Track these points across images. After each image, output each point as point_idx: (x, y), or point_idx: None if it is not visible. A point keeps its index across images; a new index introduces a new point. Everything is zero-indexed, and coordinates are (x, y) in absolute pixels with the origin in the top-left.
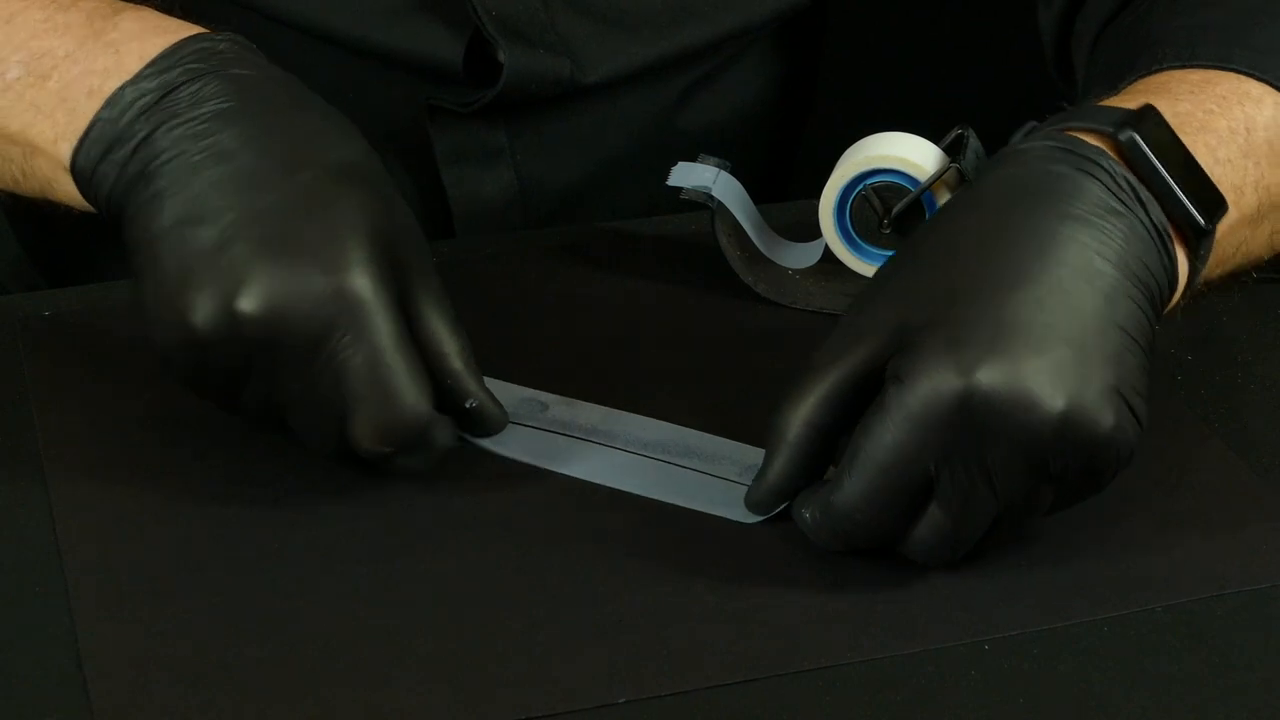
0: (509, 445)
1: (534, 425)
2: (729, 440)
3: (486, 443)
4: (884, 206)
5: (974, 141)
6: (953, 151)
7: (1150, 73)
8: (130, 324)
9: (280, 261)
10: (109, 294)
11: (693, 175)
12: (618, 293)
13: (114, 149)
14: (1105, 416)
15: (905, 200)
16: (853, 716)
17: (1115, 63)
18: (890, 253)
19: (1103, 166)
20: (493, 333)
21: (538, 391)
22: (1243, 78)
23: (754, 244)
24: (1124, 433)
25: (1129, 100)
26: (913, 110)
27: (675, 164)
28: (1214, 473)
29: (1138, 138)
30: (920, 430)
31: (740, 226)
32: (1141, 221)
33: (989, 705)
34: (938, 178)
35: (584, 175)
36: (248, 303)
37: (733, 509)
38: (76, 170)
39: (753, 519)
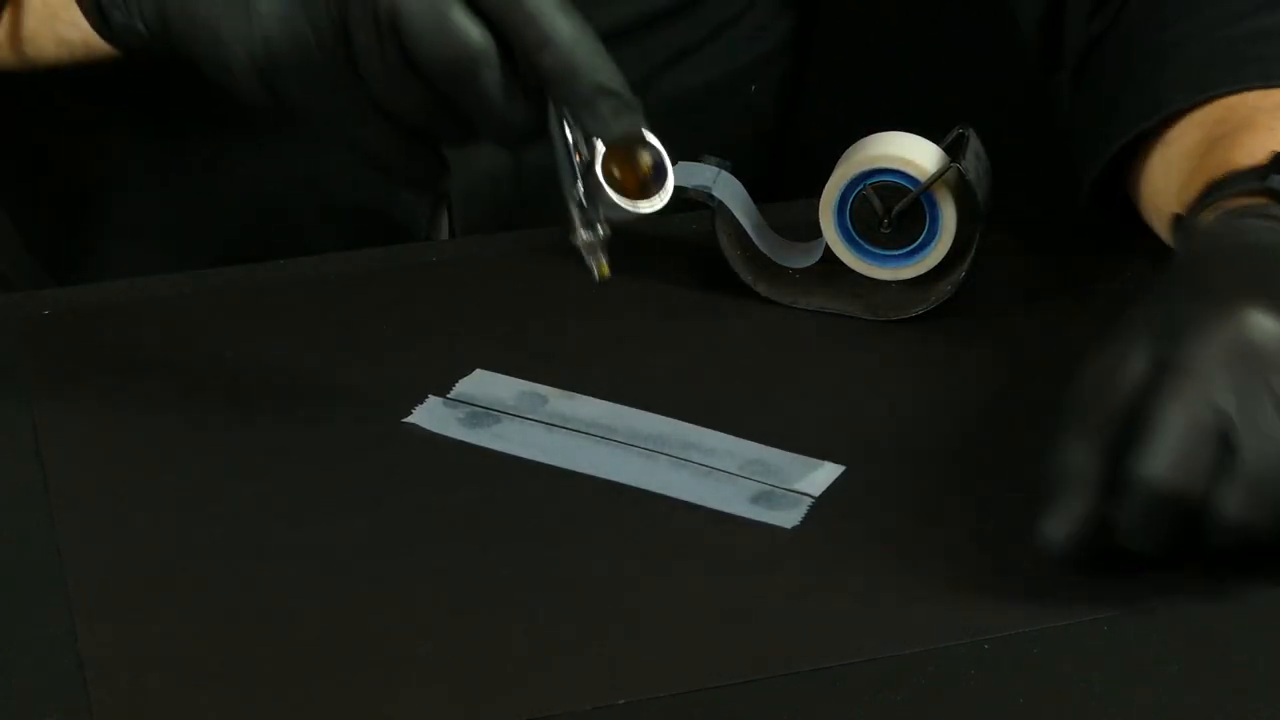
0: (508, 440)
1: (533, 419)
2: (729, 435)
3: (487, 439)
4: (884, 206)
5: (974, 141)
6: (953, 151)
7: (1230, 90)
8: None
9: None
10: (109, 294)
11: (693, 175)
12: (618, 293)
13: None
14: None
15: (905, 200)
16: (853, 716)
17: (1137, 65)
18: (890, 252)
19: None
20: (493, 332)
21: (537, 385)
22: None
23: (754, 244)
24: None
25: (1228, 149)
26: (913, 110)
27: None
28: None
29: None
30: (1212, 375)
31: (740, 226)
32: None
33: (989, 705)
34: (938, 178)
35: None
36: None
37: (733, 504)
38: None
39: (756, 516)
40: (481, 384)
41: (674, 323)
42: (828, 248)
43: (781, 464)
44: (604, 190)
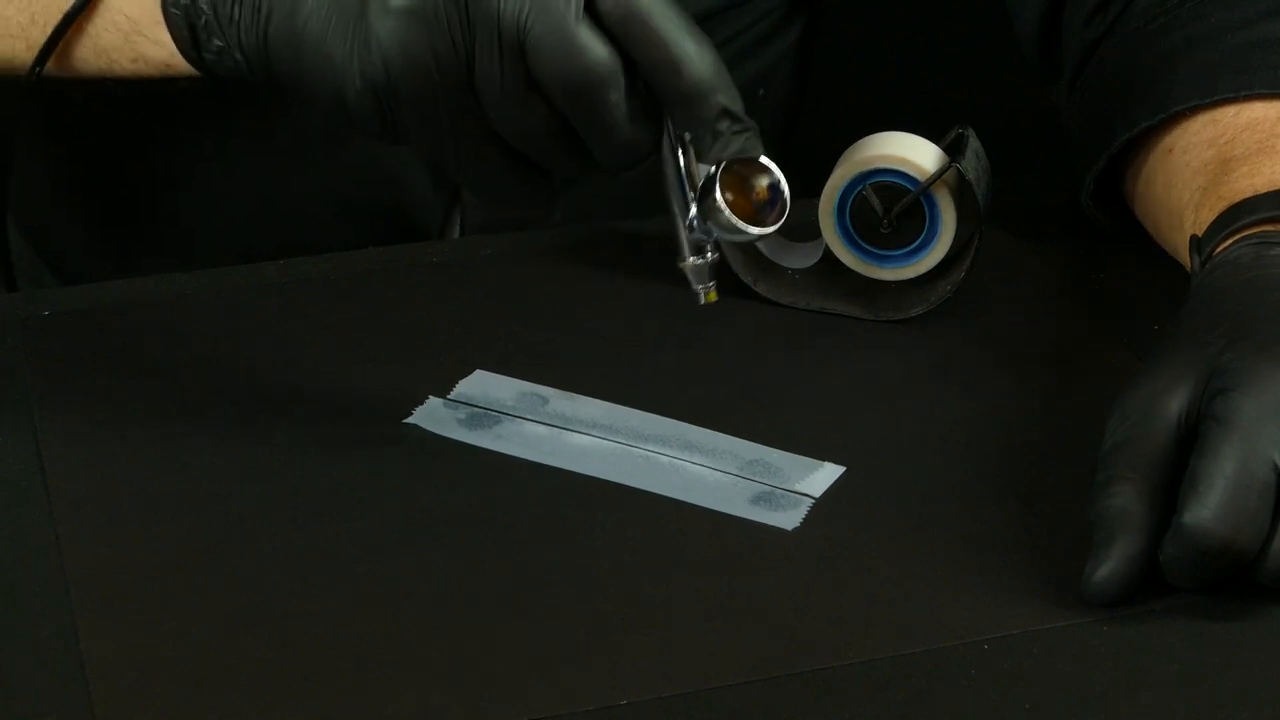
0: (508, 441)
1: (533, 420)
2: (729, 436)
3: (487, 440)
4: (884, 206)
5: (974, 141)
6: (953, 151)
7: (1234, 97)
8: (155, 313)
9: None
10: (109, 294)
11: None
12: (618, 293)
13: None
14: None
15: (905, 200)
16: (853, 716)
17: (1141, 68)
18: (890, 252)
19: None
20: (493, 332)
21: (537, 385)
22: None
23: (754, 244)
24: None
25: (1251, 172)
26: (913, 110)
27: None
28: None
29: None
30: (1262, 427)
31: None
32: None
33: (989, 705)
34: (938, 178)
35: None
36: None
37: (733, 505)
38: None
39: (757, 517)
40: (482, 384)
41: (674, 323)
42: (828, 248)
43: (782, 465)
44: (722, 213)
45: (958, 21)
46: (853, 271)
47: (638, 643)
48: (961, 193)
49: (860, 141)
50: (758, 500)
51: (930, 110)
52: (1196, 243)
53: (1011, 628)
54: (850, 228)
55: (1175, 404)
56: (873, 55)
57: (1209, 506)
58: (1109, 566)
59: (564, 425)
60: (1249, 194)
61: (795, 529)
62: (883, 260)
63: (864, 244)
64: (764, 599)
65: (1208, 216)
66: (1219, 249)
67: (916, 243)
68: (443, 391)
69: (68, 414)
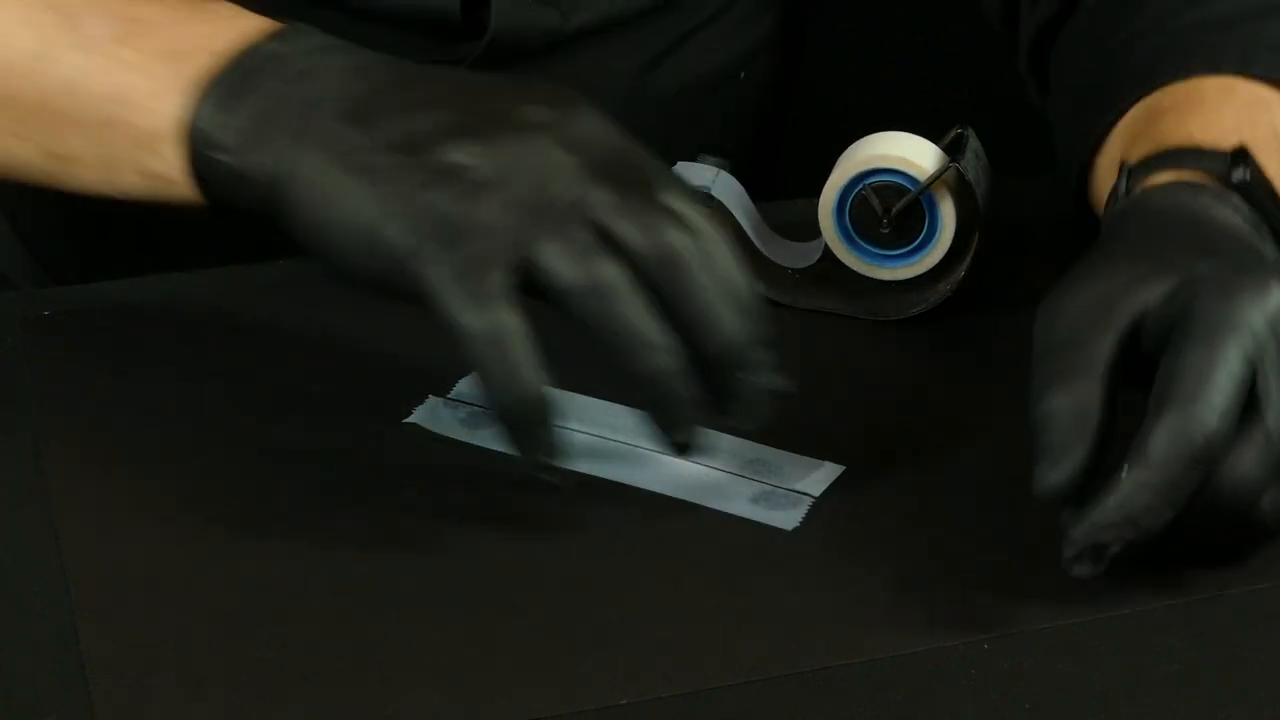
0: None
1: None
2: (729, 435)
3: (487, 439)
4: (884, 206)
5: (974, 141)
6: (952, 151)
7: (1178, 79)
8: (149, 317)
9: None
10: (109, 294)
11: (692, 175)
12: None
13: (253, 84)
14: None
15: (905, 200)
16: (853, 716)
17: (1091, 70)
18: (890, 252)
19: (1239, 208)
20: None
21: None
22: (1256, 83)
23: (754, 244)
24: None
25: (1181, 122)
26: (911, 110)
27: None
28: None
29: (1249, 179)
30: (1242, 328)
31: (740, 226)
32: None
33: (989, 705)
34: (937, 177)
35: None
36: None
37: (733, 504)
38: (193, 125)
39: (756, 516)
40: None
41: None
42: (827, 248)
43: (781, 464)
44: None
45: (957, 21)
46: (853, 271)
47: (637, 643)
48: (961, 193)
49: (860, 141)
50: (757, 499)
51: (930, 110)
52: (1128, 169)
53: (1011, 628)
54: (850, 228)
55: (1133, 306)
56: (872, 55)
57: (1203, 402)
58: (1064, 470)
59: (563, 424)
60: (1189, 142)
61: (795, 528)
62: (883, 260)
63: (864, 244)
64: (764, 599)
65: (1142, 154)
66: (1150, 182)
67: (916, 243)
68: (443, 391)
69: (67, 414)
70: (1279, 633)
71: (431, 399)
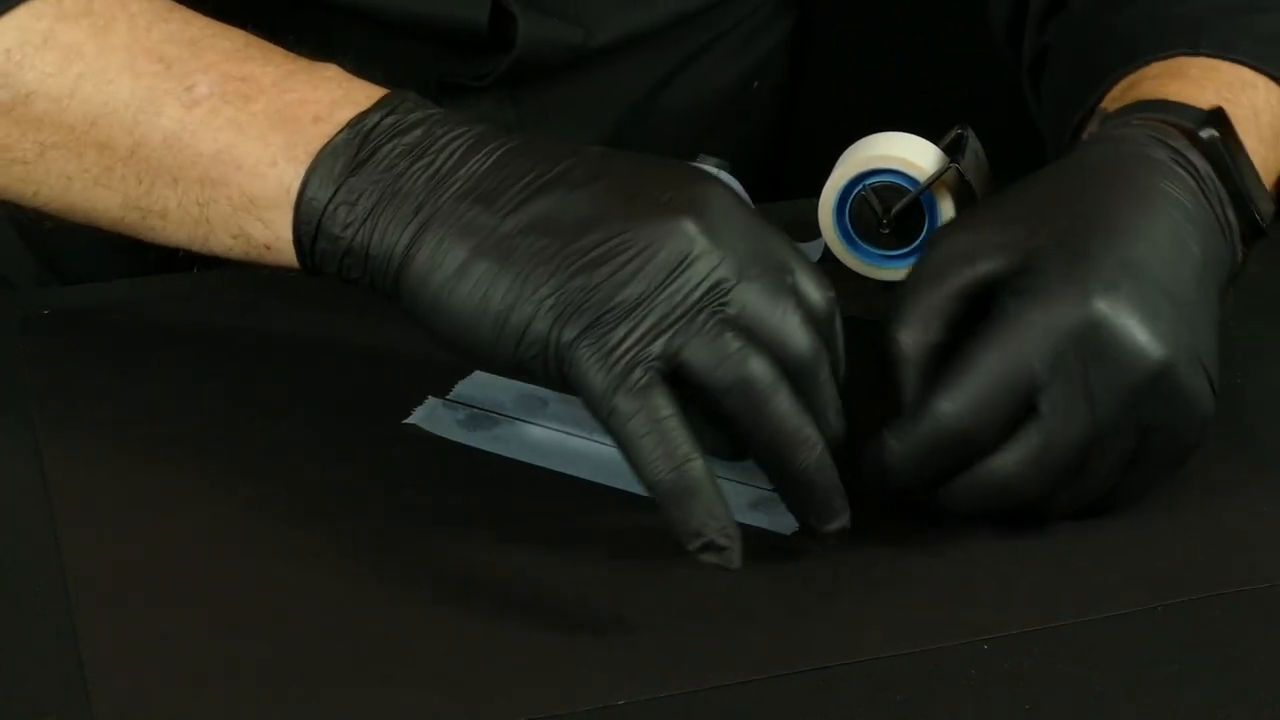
0: (507, 443)
1: (532, 421)
2: None
3: (486, 441)
4: (884, 206)
5: (973, 141)
6: (952, 151)
7: (1158, 58)
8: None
9: None
10: (109, 294)
11: None
12: None
13: (369, 156)
14: (1198, 379)
15: (905, 200)
16: (853, 716)
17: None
18: (890, 252)
19: (1192, 161)
20: None
21: (536, 387)
22: (1240, 66)
23: None
24: (1207, 399)
25: (1161, 86)
26: (911, 110)
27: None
28: (1213, 472)
29: (1218, 138)
30: (1039, 339)
31: None
32: (1218, 217)
33: (989, 705)
34: (937, 178)
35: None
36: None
37: (731, 509)
38: (305, 195)
39: (755, 522)
40: (481, 386)
41: None
42: (827, 248)
43: None
44: None
45: (957, 21)
46: (852, 271)
47: (637, 643)
48: (961, 193)
49: (860, 141)
50: (756, 505)
51: (930, 110)
52: (1103, 116)
53: (1011, 628)
54: (850, 228)
55: (974, 272)
56: (872, 55)
57: (966, 395)
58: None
59: (563, 428)
60: (1163, 95)
61: (794, 532)
62: (882, 260)
63: (863, 244)
64: (764, 599)
65: (1116, 105)
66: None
67: (916, 243)
68: (442, 392)
69: (68, 414)
70: (1279, 633)
71: (431, 400)
